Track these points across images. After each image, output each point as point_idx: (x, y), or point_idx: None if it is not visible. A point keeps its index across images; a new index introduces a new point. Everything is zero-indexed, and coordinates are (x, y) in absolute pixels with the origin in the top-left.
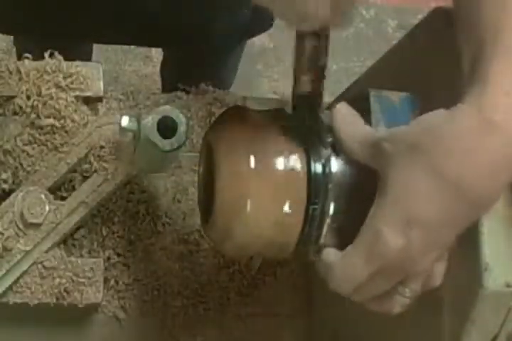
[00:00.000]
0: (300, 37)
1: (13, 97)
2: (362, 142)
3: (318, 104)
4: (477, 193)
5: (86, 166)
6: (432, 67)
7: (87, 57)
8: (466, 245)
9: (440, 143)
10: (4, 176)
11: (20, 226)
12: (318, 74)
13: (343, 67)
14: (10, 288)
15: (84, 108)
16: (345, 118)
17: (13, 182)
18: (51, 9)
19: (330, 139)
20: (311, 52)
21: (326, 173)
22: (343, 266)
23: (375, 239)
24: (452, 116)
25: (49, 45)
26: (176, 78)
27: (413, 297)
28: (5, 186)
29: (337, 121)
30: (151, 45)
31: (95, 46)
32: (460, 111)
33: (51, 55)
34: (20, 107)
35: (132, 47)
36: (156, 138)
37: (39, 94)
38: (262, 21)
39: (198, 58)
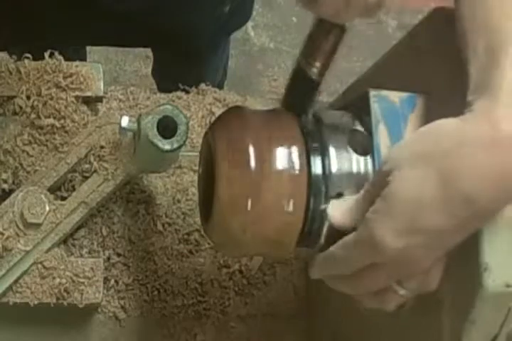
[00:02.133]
0: (323, 27)
1: (13, 97)
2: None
3: (316, 90)
4: (485, 205)
5: (86, 166)
6: (432, 67)
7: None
8: (466, 245)
9: (451, 154)
10: (4, 176)
11: (20, 226)
12: (327, 63)
13: (343, 67)
14: (10, 288)
15: (84, 108)
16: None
17: (13, 182)
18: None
19: (330, 139)
20: (331, 44)
21: (326, 173)
22: (338, 252)
23: (375, 239)
24: (463, 126)
25: (41, 47)
26: (164, 79)
27: (408, 296)
28: (5, 186)
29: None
30: (137, 45)
31: (95, 46)
32: (471, 121)
33: (51, 55)
34: (20, 107)
35: None
36: (156, 138)
37: (39, 94)
38: (241, 16)
39: (183, 58)
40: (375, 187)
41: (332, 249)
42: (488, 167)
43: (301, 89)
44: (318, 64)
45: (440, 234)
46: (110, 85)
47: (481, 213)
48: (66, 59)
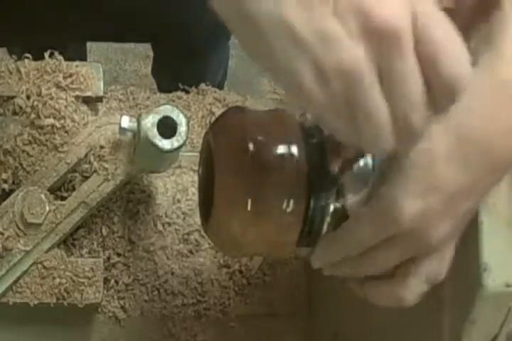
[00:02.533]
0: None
1: (13, 97)
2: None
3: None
4: (498, 154)
5: (86, 166)
6: None
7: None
8: (466, 245)
9: (460, 104)
10: (4, 176)
11: (20, 226)
12: (349, 165)
13: None
14: (10, 288)
15: (84, 108)
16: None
17: (13, 182)
18: (34, 10)
19: (331, 138)
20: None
21: (326, 172)
22: (349, 230)
23: (390, 206)
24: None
25: (41, 47)
26: (164, 79)
27: (428, 284)
28: (5, 186)
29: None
30: (138, 41)
31: (95, 46)
32: (478, 71)
33: (51, 55)
34: (20, 107)
35: (132, 47)
36: (156, 138)
37: (39, 94)
38: None
39: (183, 58)
40: (390, 167)
41: (338, 230)
42: (497, 116)
43: (320, 177)
44: (338, 162)
45: (456, 194)
46: (110, 85)
47: (496, 166)
48: (66, 59)
